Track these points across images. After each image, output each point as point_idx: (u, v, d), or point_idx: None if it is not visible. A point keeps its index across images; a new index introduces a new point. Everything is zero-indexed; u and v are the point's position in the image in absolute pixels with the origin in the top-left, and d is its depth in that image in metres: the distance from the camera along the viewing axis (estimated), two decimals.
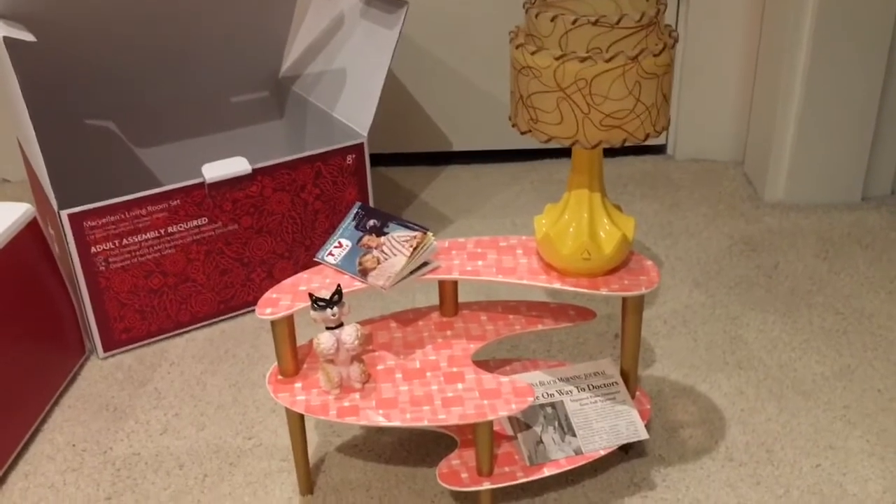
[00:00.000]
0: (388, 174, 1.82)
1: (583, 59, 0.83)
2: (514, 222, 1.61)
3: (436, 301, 1.38)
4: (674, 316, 1.33)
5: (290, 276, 1.38)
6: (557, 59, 0.84)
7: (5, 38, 1.12)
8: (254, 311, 1.38)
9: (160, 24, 1.43)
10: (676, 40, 0.88)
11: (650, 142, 1.83)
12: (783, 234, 1.54)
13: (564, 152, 1.86)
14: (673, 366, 1.23)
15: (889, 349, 1.24)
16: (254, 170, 1.29)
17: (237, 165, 1.28)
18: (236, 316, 1.38)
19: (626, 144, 0.88)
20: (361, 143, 1.38)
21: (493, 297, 1.39)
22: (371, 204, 1.44)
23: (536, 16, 0.85)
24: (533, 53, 0.85)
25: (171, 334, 1.33)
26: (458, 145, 1.85)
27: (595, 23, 0.82)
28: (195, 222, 1.28)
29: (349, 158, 1.38)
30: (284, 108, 1.70)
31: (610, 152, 1.84)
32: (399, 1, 1.37)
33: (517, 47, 0.88)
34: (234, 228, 1.31)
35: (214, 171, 1.27)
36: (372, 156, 1.83)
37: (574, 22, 0.83)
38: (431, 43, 1.75)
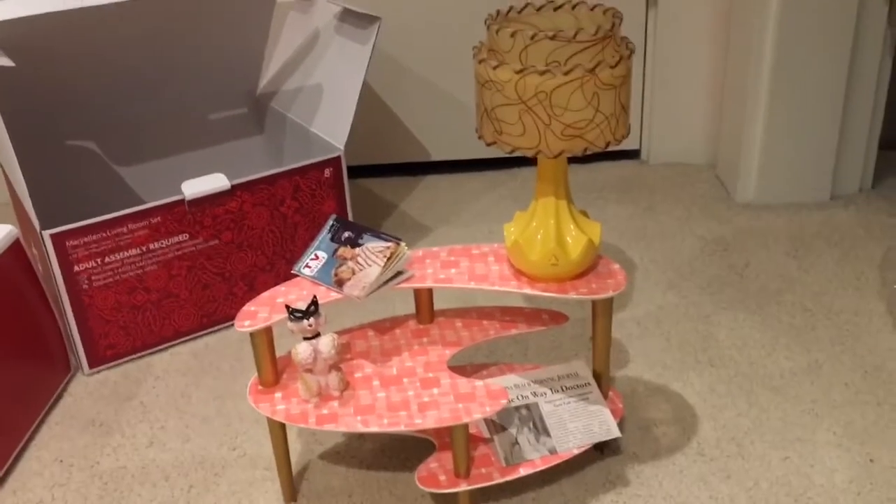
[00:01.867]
0: (367, 186, 1.85)
1: (542, 73, 0.86)
2: (492, 229, 1.65)
3: (413, 308, 1.41)
4: (647, 317, 1.36)
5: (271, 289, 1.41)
6: (518, 72, 0.87)
7: None
8: None
9: (138, 44, 1.46)
10: (633, 51, 0.91)
11: (624, 147, 1.87)
12: (754, 234, 1.58)
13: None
14: (646, 366, 1.26)
15: (856, 344, 1.28)
16: (233, 186, 1.32)
17: (216, 182, 1.31)
18: (219, 330, 1.40)
19: (588, 153, 0.91)
20: (339, 157, 1.41)
21: (469, 303, 1.42)
22: (350, 216, 1.47)
23: (497, 32, 0.88)
24: (495, 68, 0.89)
25: (155, 349, 1.35)
26: (436, 155, 1.88)
27: (553, 37, 0.85)
28: (176, 238, 1.30)
29: (327, 172, 1.41)
30: (263, 124, 1.73)
31: (584, 158, 1.87)
32: (371, 17, 1.41)
33: (480, 62, 0.91)
34: (214, 244, 1.34)
35: (194, 187, 1.29)
36: (351, 168, 1.86)
37: (533, 37, 0.86)
38: (406, 56, 1.78)
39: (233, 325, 1.41)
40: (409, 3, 1.72)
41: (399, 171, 1.89)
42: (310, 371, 0.97)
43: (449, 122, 1.84)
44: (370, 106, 1.82)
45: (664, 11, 1.72)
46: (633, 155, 1.91)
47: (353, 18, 1.47)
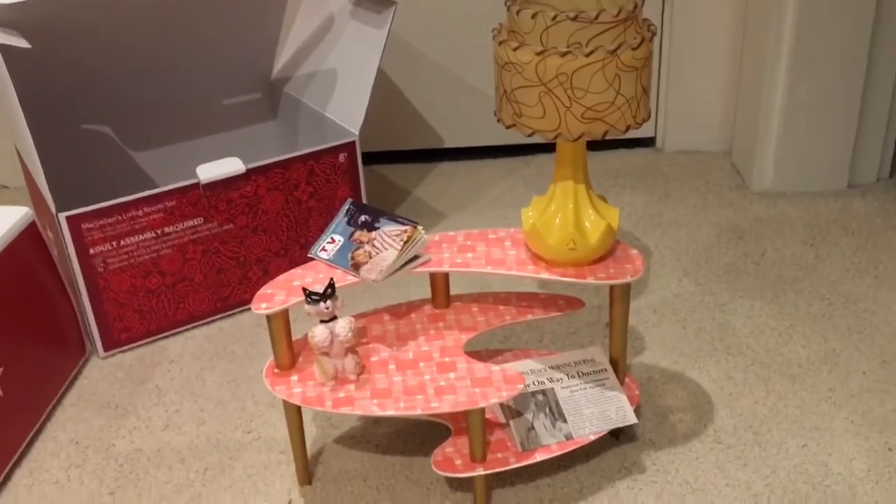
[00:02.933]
0: (381, 172, 1.85)
1: (563, 54, 0.85)
2: (507, 216, 1.64)
3: (428, 294, 1.41)
4: (663, 304, 1.36)
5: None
6: (539, 54, 0.86)
7: (1, 46, 1.14)
8: (250, 308, 1.41)
9: (153, 29, 1.46)
10: (654, 33, 0.90)
11: (639, 134, 1.86)
12: (770, 222, 1.56)
13: (555, 147, 1.88)
14: (663, 353, 1.25)
15: (873, 333, 1.27)
16: (248, 170, 1.32)
17: (231, 166, 1.31)
18: (233, 314, 1.40)
19: (608, 137, 0.90)
20: (353, 142, 1.41)
21: (485, 289, 1.41)
22: (364, 202, 1.47)
23: (518, 13, 0.88)
24: (515, 49, 0.88)
25: (169, 333, 1.35)
26: (450, 142, 1.87)
27: (574, 18, 0.85)
28: (191, 222, 1.30)
29: (341, 157, 1.40)
30: (277, 109, 1.72)
31: (600, 146, 1.86)
32: (387, 1, 1.40)
33: (500, 44, 0.90)
34: (229, 228, 1.34)
35: (209, 171, 1.29)
36: (365, 154, 1.85)
37: (554, 18, 0.85)
38: (421, 41, 1.77)
39: (247, 309, 1.41)
40: None
41: (413, 157, 1.88)
42: (326, 354, 0.97)
43: (463, 108, 1.83)
44: (384, 92, 1.82)
45: None
46: (648, 142, 1.89)
47: (368, 3, 1.46)
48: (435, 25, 1.75)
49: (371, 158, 1.88)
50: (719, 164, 1.79)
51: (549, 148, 1.88)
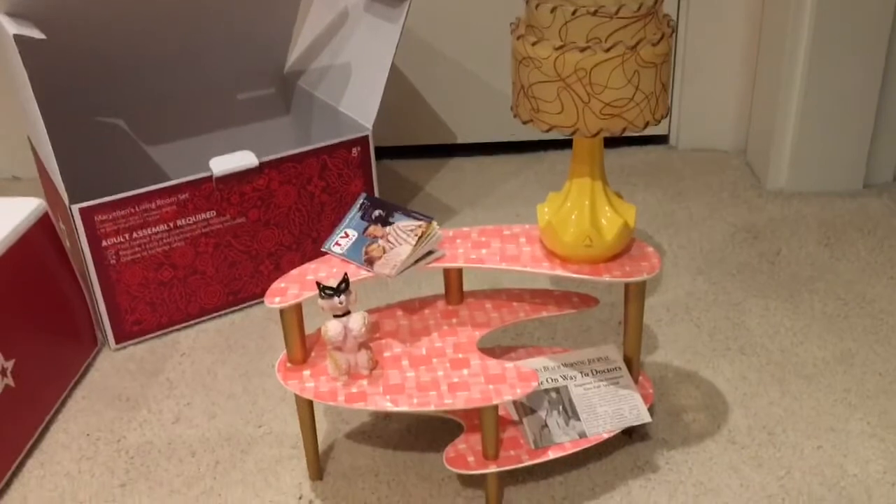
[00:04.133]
0: (392, 167, 1.84)
1: (582, 49, 0.85)
2: (518, 213, 1.63)
3: (439, 290, 1.40)
4: (677, 303, 1.35)
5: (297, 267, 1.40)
6: (557, 49, 0.85)
7: (15, 37, 1.14)
8: (262, 302, 1.41)
9: (167, 22, 1.45)
10: (674, 29, 0.89)
11: (653, 132, 1.85)
12: (785, 222, 1.55)
13: (567, 143, 1.87)
14: (676, 352, 1.24)
15: (890, 334, 1.26)
16: (261, 163, 1.31)
17: (244, 159, 1.30)
18: (245, 307, 1.40)
19: (626, 133, 0.89)
20: (366, 136, 1.40)
21: (497, 286, 1.41)
22: (376, 196, 1.46)
23: (536, 7, 0.87)
24: (533, 44, 0.87)
25: (181, 326, 1.35)
26: (462, 137, 1.87)
27: (594, 13, 0.84)
28: (204, 215, 1.30)
29: (354, 151, 1.40)
30: (290, 103, 1.72)
31: (613, 143, 1.85)
32: None
33: (518, 38, 0.89)
34: (241, 221, 1.33)
35: (222, 164, 1.29)
36: (377, 149, 1.85)
37: (573, 13, 0.84)
38: (435, 36, 1.76)
39: (258, 303, 1.40)
40: None
41: (424, 153, 1.88)
42: (339, 349, 0.97)
43: (475, 104, 1.83)
44: (396, 87, 1.81)
45: None
46: (661, 140, 1.88)
47: None
48: (447, 20, 1.75)
49: (382, 153, 1.87)
50: (733, 162, 1.78)
51: (560, 145, 1.87)
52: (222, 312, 1.38)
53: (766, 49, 1.65)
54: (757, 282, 1.39)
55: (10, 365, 1.09)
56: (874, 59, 1.53)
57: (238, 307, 1.39)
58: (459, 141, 1.87)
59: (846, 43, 1.52)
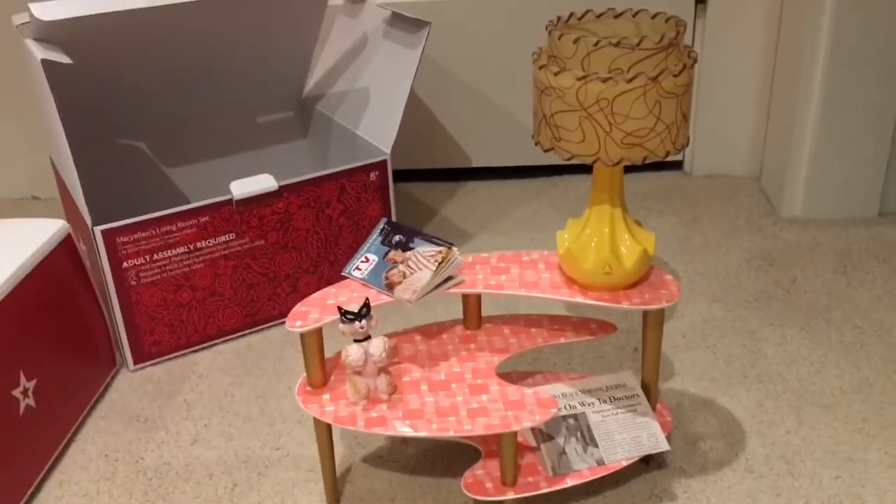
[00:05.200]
0: (408, 190, 1.86)
1: (605, 80, 0.86)
2: (534, 238, 1.64)
3: (456, 315, 1.41)
4: (693, 330, 1.35)
5: (314, 290, 1.41)
6: (580, 79, 0.87)
7: (43, 62, 1.16)
8: (279, 324, 1.41)
9: (188, 46, 1.47)
10: (696, 60, 0.90)
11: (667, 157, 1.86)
12: (801, 249, 1.55)
13: (582, 168, 1.88)
14: (692, 379, 1.24)
15: None
16: (280, 187, 1.33)
17: (264, 182, 1.32)
18: (262, 329, 1.40)
19: (647, 161, 0.90)
20: (385, 160, 1.41)
21: (511, 311, 1.41)
22: (393, 220, 1.47)
23: (559, 38, 0.88)
24: (556, 74, 0.88)
25: (198, 347, 1.36)
26: (477, 161, 1.88)
27: (617, 45, 0.85)
28: (223, 238, 1.31)
29: (373, 175, 1.41)
30: (309, 127, 1.74)
31: (627, 168, 1.86)
32: (421, 22, 1.41)
33: (540, 68, 0.91)
34: (260, 244, 1.35)
35: (242, 187, 1.30)
36: (393, 172, 1.86)
37: (596, 44, 0.85)
38: (450, 62, 1.78)
39: (275, 325, 1.41)
40: (455, 8, 1.73)
41: (439, 176, 1.89)
42: (359, 373, 0.97)
43: (490, 128, 1.84)
44: (411, 110, 1.83)
45: (712, 19, 1.71)
46: (675, 166, 1.89)
47: (402, 23, 1.47)
48: (464, 46, 1.76)
49: (397, 176, 1.89)
50: (748, 188, 1.78)
51: (574, 170, 1.88)
52: (239, 334, 1.39)
53: (782, 75, 1.66)
54: (773, 309, 1.39)
55: (31, 385, 1.10)
56: (890, 86, 1.54)
57: (255, 329, 1.40)
58: (474, 165, 1.88)
59: (862, 69, 1.53)
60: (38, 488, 1.10)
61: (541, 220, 1.70)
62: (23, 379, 1.09)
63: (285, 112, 1.72)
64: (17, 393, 1.07)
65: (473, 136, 1.85)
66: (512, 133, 1.84)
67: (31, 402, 1.10)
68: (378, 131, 1.48)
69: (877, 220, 1.64)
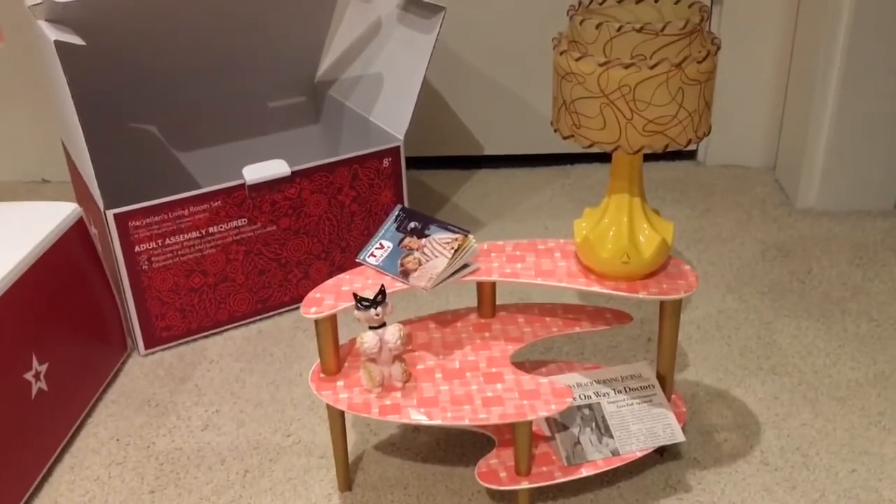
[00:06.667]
0: (420, 177, 1.84)
1: (627, 66, 0.84)
2: (547, 226, 1.63)
3: (467, 303, 1.40)
4: (707, 321, 1.34)
5: (326, 276, 1.40)
6: (602, 65, 0.85)
7: (56, 42, 1.15)
8: (290, 311, 1.41)
9: (201, 31, 1.46)
10: (719, 47, 0.89)
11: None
12: (816, 241, 1.54)
13: (595, 156, 1.87)
14: (707, 370, 1.23)
15: None
16: (293, 172, 1.32)
17: (277, 168, 1.31)
18: (273, 315, 1.40)
19: (668, 150, 0.89)
20: (398, 147, 1.40)
21: (525, 300, 1.40)
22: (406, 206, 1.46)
23: (581, 23, 0.87)
24: (577, 60, 0.87)
25: (210, 332, 1.35)
26: (490, 149, 1.86)
27: (640, 30, 0.83)
28: (235, 223, 1.30)
29: (385, 161, 1.40)
30: (321, 113, 1.72)
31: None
32: (436, 6, 1.39)
33: (561, 53, 0.89)
34: (272, 229, 1.34)
35: (255, 173, 1.29)
36: (405, 159, 1.85)
37: (619, 29, 0.84)
38: (463, 48, 1.77)
39: (286, 311, 1.40)
40: None
41: (451, 163, 1.88)
42: (373, 361, 0.97)
43: (503, 116, 1.83)
44: (424, 97, 1.81)
45: (729, 7, 1.69)
46: (689, 155, 1.87)
47: (416, 8, 1.46)
48: (477, 33, 1.75)
49: (409, 163, 1.87)
50: (762, 179, 1.77)
51: (588, 158, 1.87)
52: (250, 320, 1.38)
53: (798, 65, 1.64)
54: (788, 301, 1.38)
55: (43, 369, 1.10)
56: None
57: (266, 315, 1.39)
58: (487, 152, 1.87)
59: (879, 61, 1.51)
60: (50, 472, 1.10)
61: (553, 208, 1.69)
62: (35, 362, 1.08)
63: (297, 97, 1.70)
64: (29, 376, 1.07)
65: (486, 123, 1.84)
66: (525, 121, 1.83)
67: (43, 385, 1.10)
68: (391, 117, 1.46)
69: (892, 212, 1.62)
